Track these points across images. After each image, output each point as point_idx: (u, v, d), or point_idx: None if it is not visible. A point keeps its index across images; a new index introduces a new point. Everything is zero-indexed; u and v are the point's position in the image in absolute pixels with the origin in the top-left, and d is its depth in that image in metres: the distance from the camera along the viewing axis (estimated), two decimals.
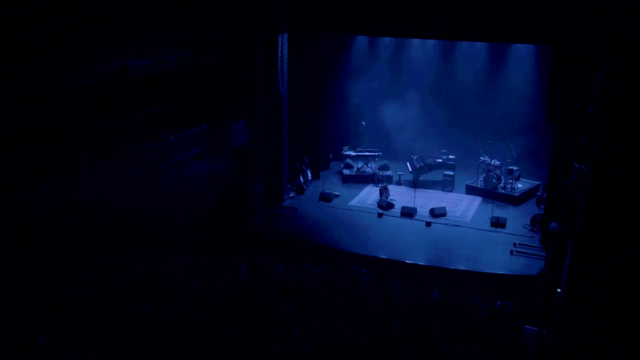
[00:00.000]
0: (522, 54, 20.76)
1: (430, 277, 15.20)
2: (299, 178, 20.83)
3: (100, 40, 14.95)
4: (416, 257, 16.44)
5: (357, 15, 17.64)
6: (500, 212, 18.74)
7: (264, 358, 10.35)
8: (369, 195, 20.74)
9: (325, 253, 16.73)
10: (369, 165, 22.12)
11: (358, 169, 22.21)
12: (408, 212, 18.98)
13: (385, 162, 22.25)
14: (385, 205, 19.51)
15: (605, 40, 13.93)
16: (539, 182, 20.33)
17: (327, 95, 21.95)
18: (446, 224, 18.45)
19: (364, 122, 22.51)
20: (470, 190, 20.79)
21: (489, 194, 20.24)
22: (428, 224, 18.41)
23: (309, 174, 21.34)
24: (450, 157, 21.45)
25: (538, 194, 19.29)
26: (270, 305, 12.20)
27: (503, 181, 20.29)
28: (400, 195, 20.36)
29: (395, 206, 19.53)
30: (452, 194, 20.87)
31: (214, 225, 17.65)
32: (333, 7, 17.77)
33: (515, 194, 19.99)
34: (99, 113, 15.50)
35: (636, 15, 10.72)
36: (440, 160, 21.31)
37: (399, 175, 21.69)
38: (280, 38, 18.74)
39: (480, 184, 20.70)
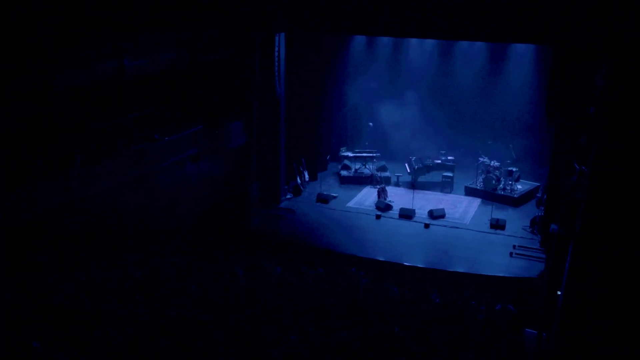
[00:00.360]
0: (521, 53, 20.64)
1: (429, 280, 15.04)
2: (296, 179, 20.68)
3: (96, 40, 14.83)
4: (415, 259, 16.28)
5: (355, 14, 17.47)
6: (499, 214, 18.60)
7: None
8: (367, 196, 20.59)
9: (322, 255, 16.55)
10: (367, 166, 21.94)
11: (356, 170, 22.03)
12: (406, 214, 18.82)
13: (383, 163, 22.09)
14: (383, 206, 19.34)
15: (605, 40, 13.81)
16: (538, 184, 20.17)
17: (324, 95, 21.82)
18: (445, 226, 18.30)
19: (371, 124, 22.31)
20: (470, 192, 20.64)
21: (488, 195, 20.08)
22: (427, 225, 18.26)
23: (306, 175, 21.18)
24: (449, 158, 21.29)
25: (538, 195, 19.12)
26: (267, 308, 12.08)
27: (502, 182, 20.14)
28: (398, 197, 20.20)
29: (394, 208, 19.38)
30: (451, 195, 20.71)
31: (211, 227, 17.51)
32: (331, 6, 17.60)
33: (515, 196, 19.83)
34: (94, 113, 15.38)
35: (636, 15, 10.59)
36: (439, 161, 21.15)
37: (397, 176, 21.55)
38: (277, 38, 18.60)
39: (479, 185, 20.56)
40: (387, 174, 21.63)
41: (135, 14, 15.79)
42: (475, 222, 18.60)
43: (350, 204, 20.03)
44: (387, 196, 19.94)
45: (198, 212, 17.77)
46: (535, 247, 16.88)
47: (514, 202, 19.68)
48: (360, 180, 21.61)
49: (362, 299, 12.85)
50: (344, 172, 21.98)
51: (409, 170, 21.07)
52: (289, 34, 19.06)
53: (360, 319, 11.81)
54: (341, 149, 22.33)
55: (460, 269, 15.79)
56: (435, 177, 21.16)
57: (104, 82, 15.10)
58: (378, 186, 20.37)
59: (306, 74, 20.36)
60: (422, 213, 18.99)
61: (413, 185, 20.44)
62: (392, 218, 18.90)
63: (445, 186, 20.96)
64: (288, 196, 20.30)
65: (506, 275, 15.54)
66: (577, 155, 13.39)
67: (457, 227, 18.21)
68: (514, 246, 16.86)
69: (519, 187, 20.21)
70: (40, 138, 13.91)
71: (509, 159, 20.25)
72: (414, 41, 21.96)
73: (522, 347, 11.62)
